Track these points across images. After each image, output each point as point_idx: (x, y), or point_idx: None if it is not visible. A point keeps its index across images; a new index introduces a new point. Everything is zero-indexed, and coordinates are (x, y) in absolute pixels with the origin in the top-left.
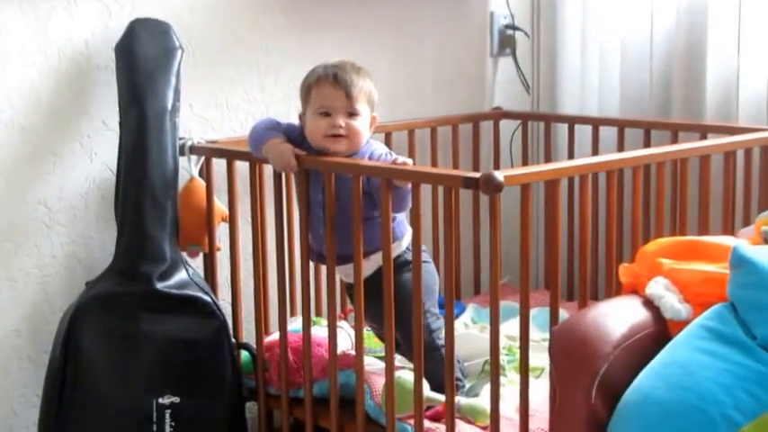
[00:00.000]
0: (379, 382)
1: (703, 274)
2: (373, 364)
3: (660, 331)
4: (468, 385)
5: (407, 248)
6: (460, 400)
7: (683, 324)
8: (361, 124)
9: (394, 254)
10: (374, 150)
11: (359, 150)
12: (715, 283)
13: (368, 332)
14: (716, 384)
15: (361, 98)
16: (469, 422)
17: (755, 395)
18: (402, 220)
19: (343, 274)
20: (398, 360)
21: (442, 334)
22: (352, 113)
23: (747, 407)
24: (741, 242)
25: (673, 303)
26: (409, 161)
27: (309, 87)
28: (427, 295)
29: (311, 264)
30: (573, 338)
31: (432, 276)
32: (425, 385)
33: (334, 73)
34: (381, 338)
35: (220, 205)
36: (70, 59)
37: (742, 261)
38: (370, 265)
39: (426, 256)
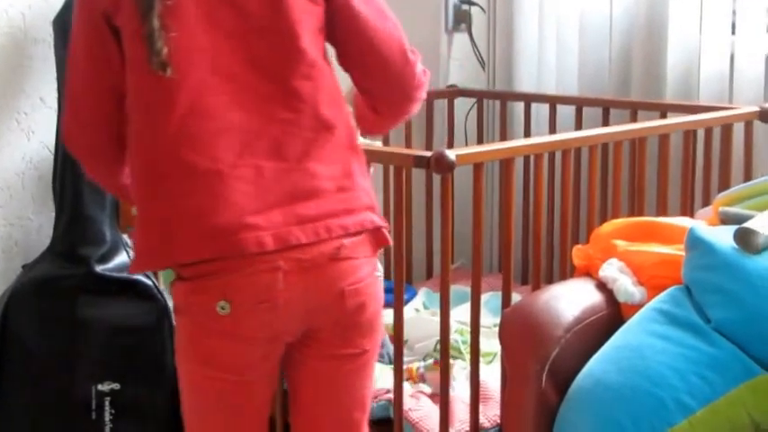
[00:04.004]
0: None
1: (658, 256)
2: None
3: (613, 315)
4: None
5: None
6: None
7: (636, 307)
8: None
9: None
10: None
11: None
12: (670, 266)
13: None
14: (669, 369)
15: None
16: None
17: (708, 380)
18: None
19: None
20: None
21: None
22: None
23: (700, 392)
24: (697, 223)
25: (626, 286)
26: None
27: None
28: None
29: None
30: (523, 322)
31: None
32: None
33: None
34: None
35: None
36: (6, 33)
37: (697, 242)
38: None
39: None
